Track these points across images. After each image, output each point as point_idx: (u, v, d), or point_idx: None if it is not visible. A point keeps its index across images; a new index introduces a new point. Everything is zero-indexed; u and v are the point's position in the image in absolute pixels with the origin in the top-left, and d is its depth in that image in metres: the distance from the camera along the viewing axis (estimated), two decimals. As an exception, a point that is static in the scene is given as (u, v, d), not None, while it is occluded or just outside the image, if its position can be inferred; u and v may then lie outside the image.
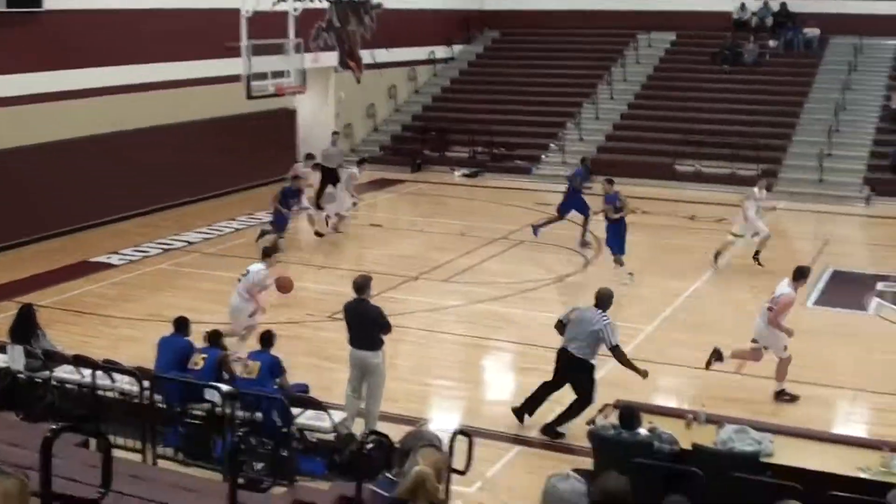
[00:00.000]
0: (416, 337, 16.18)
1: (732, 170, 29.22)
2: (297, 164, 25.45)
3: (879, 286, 19.61)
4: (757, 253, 20.61)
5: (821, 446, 10.41)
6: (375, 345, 12.19)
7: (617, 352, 12.43)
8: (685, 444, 9.93)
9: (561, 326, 12.75)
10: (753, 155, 29.61)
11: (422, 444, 6.31)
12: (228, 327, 14.54)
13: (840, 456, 9.99)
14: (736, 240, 20.82)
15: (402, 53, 35.28)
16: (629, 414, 10.05)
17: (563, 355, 12.56)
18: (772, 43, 35.22)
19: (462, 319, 17.54)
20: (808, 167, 29.08)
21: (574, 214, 22.63)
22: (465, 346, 16.36)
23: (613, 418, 10.42)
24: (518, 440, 12.54)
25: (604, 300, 12.64)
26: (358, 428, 11.82)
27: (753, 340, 13.98)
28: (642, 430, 10.05)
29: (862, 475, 9.41)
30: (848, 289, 19.57)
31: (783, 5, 36.00)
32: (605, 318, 12.38)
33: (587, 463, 10.28)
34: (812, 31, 34.95)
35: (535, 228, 22.49)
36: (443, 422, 12.65)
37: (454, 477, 9.24)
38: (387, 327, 12.23)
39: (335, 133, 28.29)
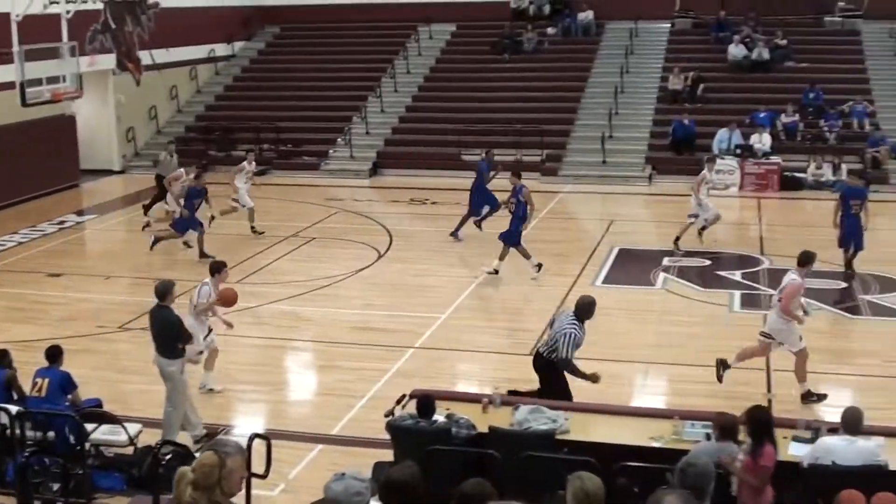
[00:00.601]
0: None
1: (518, 157, 29.59)
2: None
3: (665, 261, 20.16)
4: (702, 229, 21.32)
5: (616, 420, 10.51)
6: (171, 353, 11.80)
7: (563, 363, 11.58)
8: (482, 428, 9.84)
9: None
10: (538, 141, 30.08)
11: (221, 451, 6.13)
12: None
13: (634, 427, 10.10)
14: (693, 220, 21.27)
15: (181, 53, 34.32)
16: (425, 402, 9.89)
17: (536, 356, 12.19)
18: (550, 30, 35.86)
19: (258, 321, 17.10)
20: (591, 150, 29.72)
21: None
22: (263, 349, 15.94)
23: (412, 408, 10.24)
24: (320, 439, 12.25)
25: (581, 308, 11.80)
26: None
27: (763, 334, 13.52)
28: (440, 418, 9.92)
29: (654, 444, 9.51)
30: (635, 266, 20.05)
31: (559, -8, 36.76)
32: (572, 325, 11.60)
33: (390, 455, 10.09)
34: (587, 17, 35.76)
35: (454, 232, 22.22)
36: (245, 427, 12.26)
37: (256, 481, 8.94)
38: (183, 338, 11.87)
39: (171, 143, 27.03)
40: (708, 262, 20.15)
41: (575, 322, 11.61)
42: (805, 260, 13.36)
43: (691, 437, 9.50)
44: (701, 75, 32.06)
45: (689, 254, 20.66)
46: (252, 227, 22.56)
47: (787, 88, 31.61)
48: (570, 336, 11.47)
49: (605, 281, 19.06)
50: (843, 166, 27.32)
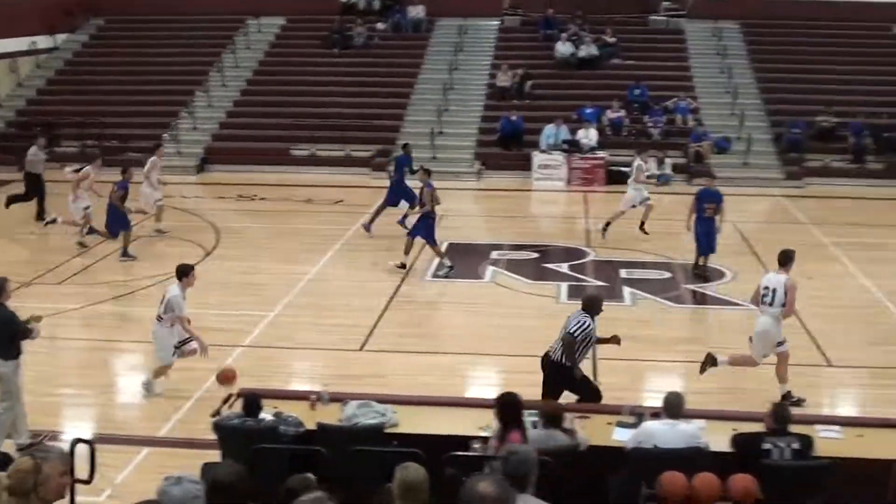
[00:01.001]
0: (35, 346, 15.03)
1: (347, 152, 29.45)
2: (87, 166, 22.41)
3: (493, 255, 20.34)
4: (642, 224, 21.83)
5: (445, 411, 10.52)
6: (5, 352, 11.34)
7: (568, 337, 11.60)
8: (311, 425, 9.71)
9: None
10: (367, 136, 30.01)
11: (38, 457, 5.96)
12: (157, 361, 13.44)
13: (463, 418, 10.11)
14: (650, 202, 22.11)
15: (0, 45, 32.99)
16: (251, 401, 9.70)
17: (545, 360, 12.00)
18: (380, 25, 35.81)
19: (82, 323, 16.55)
20: (421, 146, 29.63)
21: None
22: (88, 351, 15.44)
23: (239, 407, 10.03)
24: (147, 441, 11.89)
25: (590, 303, 11.93)
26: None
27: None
28: (267, 416, 9.75)
29: (482, 434, 9.53)
30: (464, 260, 20.11)
31: (387, -14, 36.70)
32: (584, 317, 11.69)
33: (218, 456, 9.85)
34: (418, 13, 35.85)
35: (367, 225, 21.92)
36: (70, 432, 11.79)
37: (81, 487, 8.60)
38: (18, 334, 11.39)
39: (39, 130, 25.34)
40: (536, 255, 20.42)
41: (586, 316, 11.75)
42: (786, 259, 13.22)
43: (518, 426, 9.56)
44: (529, 72, 32.51)
45: (516, 247, 20.91)
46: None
47: (614, 85, 32.34)
48: (582, 322, 11.63)
49: (435, 275, 19.10)
50: (667, 161, 28.12)
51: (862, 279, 19.03)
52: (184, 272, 13.28)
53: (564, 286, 18.35)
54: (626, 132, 30.38)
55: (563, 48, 33.62)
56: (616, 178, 27.63)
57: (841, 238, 22.28)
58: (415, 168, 22.06)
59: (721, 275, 19.22)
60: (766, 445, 8.97)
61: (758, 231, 23.55)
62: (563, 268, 19.57)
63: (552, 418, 9.00)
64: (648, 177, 26.82)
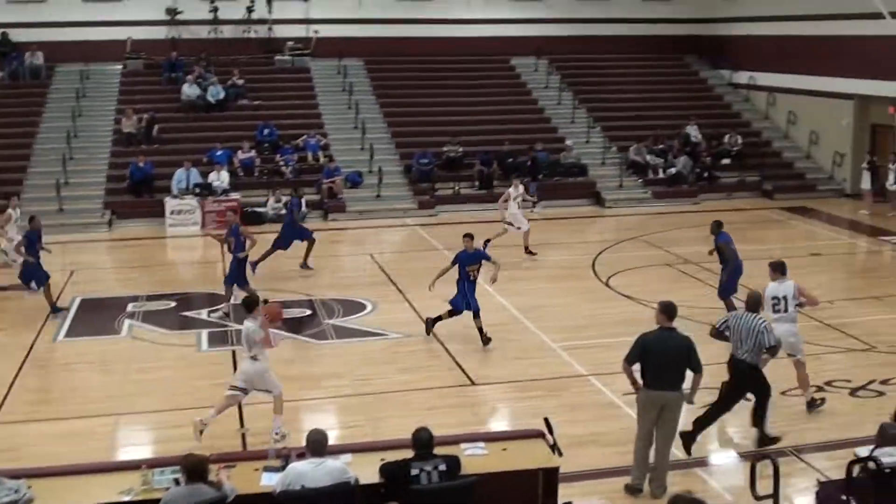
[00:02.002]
0: None
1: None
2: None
3: (130, 307, 19.50)
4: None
5: (82, 479, 9.80)
6: None
7: (773, 350, 12.41)
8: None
9: (717, 334, 12.77)
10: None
11: None
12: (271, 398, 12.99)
13: (104, 484, 9.47)
14: (507, 229, 23.65)
15: None
16: None
17: (739, 365, 12.36)
18: (-3, 74, 33.83)
19: None
20: (46, 198, 28.18)
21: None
22: None
23: None
24: None
25: (754, 303, 12.55)
26: None
27: (789, 355, 13.86)
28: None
29: (125, 498, 8.99)
30: (99, 315, 19.18)
31: (4, 34, 34.60)
32: (762, 320, 12.31)
33: None
34: (36, 59, 34.12)
35: (254, 265, 21.07)
36: None
37: None
38: None
39: None
40: (173, 304, 19.78)
41: (758, 315, 12.38)
42: (783, 268, 14.14)
43: (161, 485, 9.07)
44: (155, 116, 31.71)
45: (152, 297, 20.20)
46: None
47: (243, 126, 32.18)
48: (768, 326, 12.34)
49: (68, 334, 18.05)
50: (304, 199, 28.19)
51: (498, 297, 19.72)
52: (253, 304, 13.05)
53: (205, 333, 17.86)
54: (259, 172, 30.21)
55: (189, 90, 33.08)
56: (251, 218, 27.35)
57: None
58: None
59: (362, 307, 19.37)
60: (414, 471, 9.00)
61: (396, 261, 24.03)
62: (203, 315, 19.06)
63: (195, 472, 8.59)
64: (282, 214, 26.85)
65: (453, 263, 17.08)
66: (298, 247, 22.31)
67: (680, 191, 31.64)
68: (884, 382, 14.74)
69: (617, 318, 18.31)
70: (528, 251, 23.78)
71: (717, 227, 18.38)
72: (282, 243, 22.43)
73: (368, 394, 14.67)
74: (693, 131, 34.19)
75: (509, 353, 16.57)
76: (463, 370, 15.64)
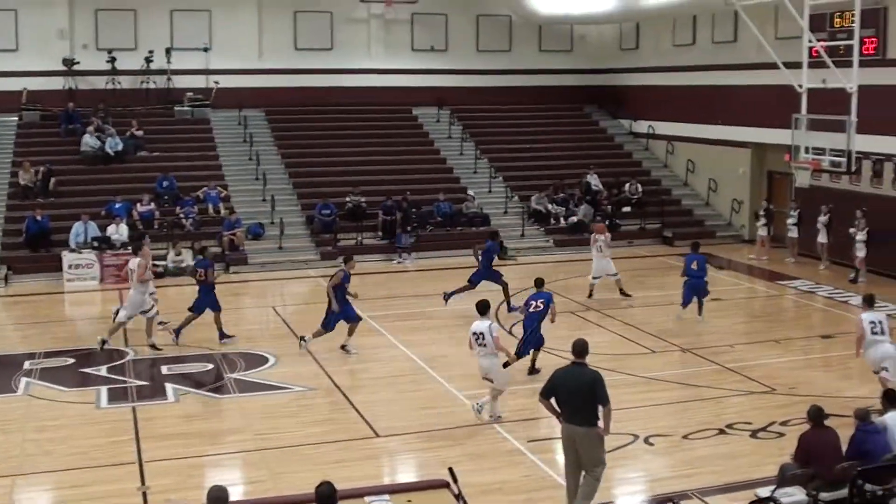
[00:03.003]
0: None
1: None
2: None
3: (27, 365, 18.99)
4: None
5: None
6: None
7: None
8: None
9: None
10: None
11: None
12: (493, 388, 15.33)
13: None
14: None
15: None
16: None
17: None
18: None
19: None
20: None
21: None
22: None
23: None
24: None
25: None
26: None
27: (883, 368, 15.14)
28: None
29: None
30: (-5, 374, 18.68)
31: None
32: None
33: None
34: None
35: (447, 295, 22.88)
36: None
37: None
38: None
39: None
40: (72, 360, 19.33)
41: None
42: (872, 300, 16.24)
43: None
44: (52, 168, 31.13)
45: (49, 354, 19.74)
46: None
47: (143, 178, 31.76)
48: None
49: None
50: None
51: (403, 348, 19.71)
52: (485, 310, 15.71)
53: (104, 390, 17.48)
54: (158, 225, 29.81)
55: (88, 142, 32.59)
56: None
57: (378, 311, 23.02)
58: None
59: (264, 360, 19.16)
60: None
61: (299, 313, 23.86)
62: (103, 371, 18.63)
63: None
64: (183, 267, 26.55)
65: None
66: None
67: (581, 239, 31.90)
68: (783, 423, 14.99)
69: (521, 365, 18.36)
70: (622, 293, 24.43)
71: (539, 283, 18.85)
72: (477, 280, 23.28)
73: (271, 448, 14.47)
74: (594, 180, 34.68)
75: (414, 404, 16.53)
76: (367, 422, 15.53)
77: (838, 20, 27.11)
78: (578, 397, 11.37)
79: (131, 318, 20.31)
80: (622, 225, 33.28)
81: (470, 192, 33.41)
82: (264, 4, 37.24)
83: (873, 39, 26.92)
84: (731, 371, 18.08)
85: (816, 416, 11.27)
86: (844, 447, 11.29)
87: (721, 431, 14.79)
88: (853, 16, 21.47)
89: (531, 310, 17.97)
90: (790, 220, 29.09)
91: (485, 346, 15.30)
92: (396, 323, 22.09)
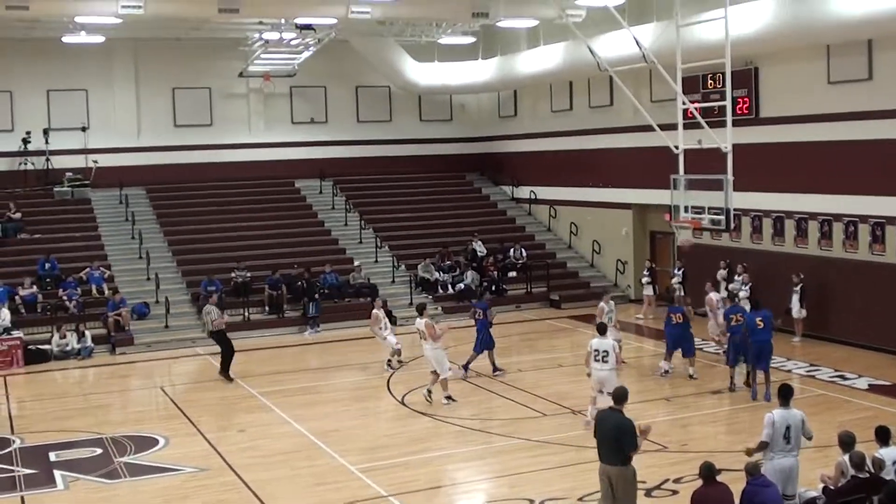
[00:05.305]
0: None
1: None
2: None
3: None
4: None
5: None
6: None
7: None
8: None
9: None
10: None
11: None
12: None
13: None
14: None
15: None
16: None
17: None
18: None
19: None
20: None
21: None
22: None
23: None
24: None
25: None
26: None
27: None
28: None
29: None
30: None
31: None
32: None
33: None
34: None
35: (465, 367, 23.21)
36: None
37: None
38: None
39: None
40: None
41: None
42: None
43: None
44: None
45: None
46: None
47: (23, 261, 31.14)
48: None
49: None
50: (87, 333, 27.31)
51: (295, 424, 19.50)
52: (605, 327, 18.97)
53: (-9, 482, 16.94)
54: (41, 308, 29.11)
55: (-37, 227, 31.87)
56: (35, 357, 26.41)
57: (267, 388, 22.78)
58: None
59: (154, 442, 18.76)
60: None
61: (187, 391, 23.49)
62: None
63: None
64: (67, 351, 26.03)
65: None
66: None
67: (469, 305, 32.16)
68: (676, 481, 15.15)
69: (415, 435, 18.32)
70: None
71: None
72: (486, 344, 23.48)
73: (165, 533, 14.14)
74: (478, 246, 35.00)
75: (308, 480, 16.31)
76: (261, 501, 15.28)
77: (711, 82, 28.05)
78: (608, 440, 12.28)
79: None
80: (509, 289, 33.58)
81: (356, 262, 33.41)
82: (142, 81, 37.06)
83: (745, 99, 27.91)
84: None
85: (707, 472, 11.45)
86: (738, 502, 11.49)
87: (615, 491, 14.89)
88: (725, 77, 22.10)
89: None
90: (674, 280, 29.64)
91: (606, 361, 18.07)
92: (287, 398, 21.85)
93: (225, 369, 23.86)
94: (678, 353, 22.59)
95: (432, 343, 20.65)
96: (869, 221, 24.86)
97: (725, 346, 22.13)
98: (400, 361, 24.38)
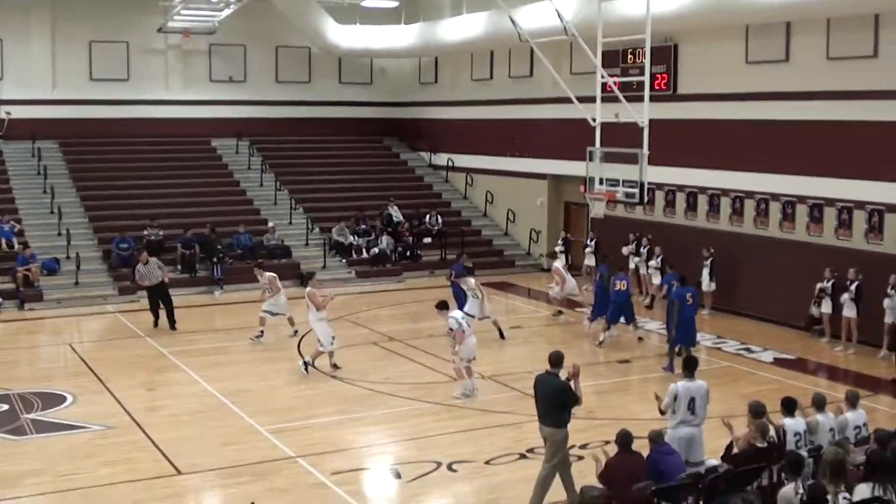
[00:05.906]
0: None
1: None
2: None
3: None
4: None
5: None
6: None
7: None
8: None
9: None
10: None
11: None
12: None
13: None
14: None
15: None
16: None
17: None
18: None
19: None
20: None
21: None
22: None
23: None
24: None
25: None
26: None
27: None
28: None
29: None
30: None
31: None
32: None
33: None
34: None
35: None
36: None
37: None
38: None
39: None
40: None
41: None
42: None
43: None
44: None
45: None
46: None
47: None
48: None
49: None
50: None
51: (205, 384, 19.45)
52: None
53: None
54: (-52, 261, 28.61)
55: None
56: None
57: (179, 347, 22.68)
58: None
59: (62, 399, 18.60)
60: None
61: (96, 349, 23.30)
62: None
63: None
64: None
65: None
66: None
67: (383, 270, 32.27)
68: (582, 447, 15.38)
69: (325, 398, 18.41)
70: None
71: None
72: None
73: (71, 489, 14.06)
74: (394, 211, 35.05)
75: (216, 440, 16.31)
76: (169, 460, 15.26)
77: (631, 57, 28.37)
78: (545, 401, 12.79)
79: None
80: (423, 256, 33.71)
81: (270, 223, 33.26)
82: (59, 33, 36.27)
83: (664, 76, 28.29)
84: (531, 397, 18.44)
85: (623, 440, 11.63)
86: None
87: (522, 456, 15.15)
88: (644, 53, 22.36)
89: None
90: (587, 249, 30.07)
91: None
92: (197, 358, 21.76)
93: (172, 322, 24.53)
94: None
95: (316, 312, 20.38)
96: (780, 199, 25.42)
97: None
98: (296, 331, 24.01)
